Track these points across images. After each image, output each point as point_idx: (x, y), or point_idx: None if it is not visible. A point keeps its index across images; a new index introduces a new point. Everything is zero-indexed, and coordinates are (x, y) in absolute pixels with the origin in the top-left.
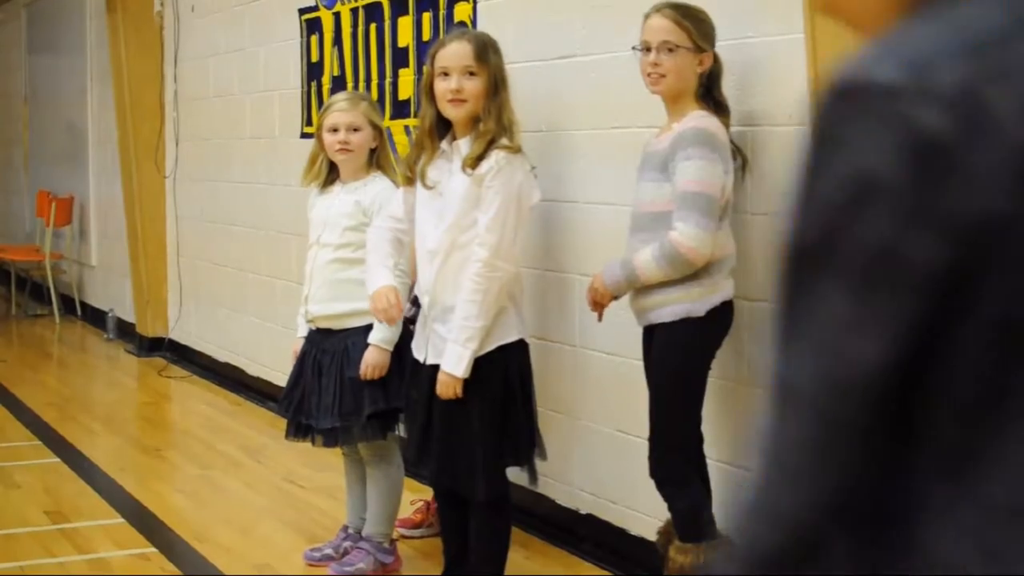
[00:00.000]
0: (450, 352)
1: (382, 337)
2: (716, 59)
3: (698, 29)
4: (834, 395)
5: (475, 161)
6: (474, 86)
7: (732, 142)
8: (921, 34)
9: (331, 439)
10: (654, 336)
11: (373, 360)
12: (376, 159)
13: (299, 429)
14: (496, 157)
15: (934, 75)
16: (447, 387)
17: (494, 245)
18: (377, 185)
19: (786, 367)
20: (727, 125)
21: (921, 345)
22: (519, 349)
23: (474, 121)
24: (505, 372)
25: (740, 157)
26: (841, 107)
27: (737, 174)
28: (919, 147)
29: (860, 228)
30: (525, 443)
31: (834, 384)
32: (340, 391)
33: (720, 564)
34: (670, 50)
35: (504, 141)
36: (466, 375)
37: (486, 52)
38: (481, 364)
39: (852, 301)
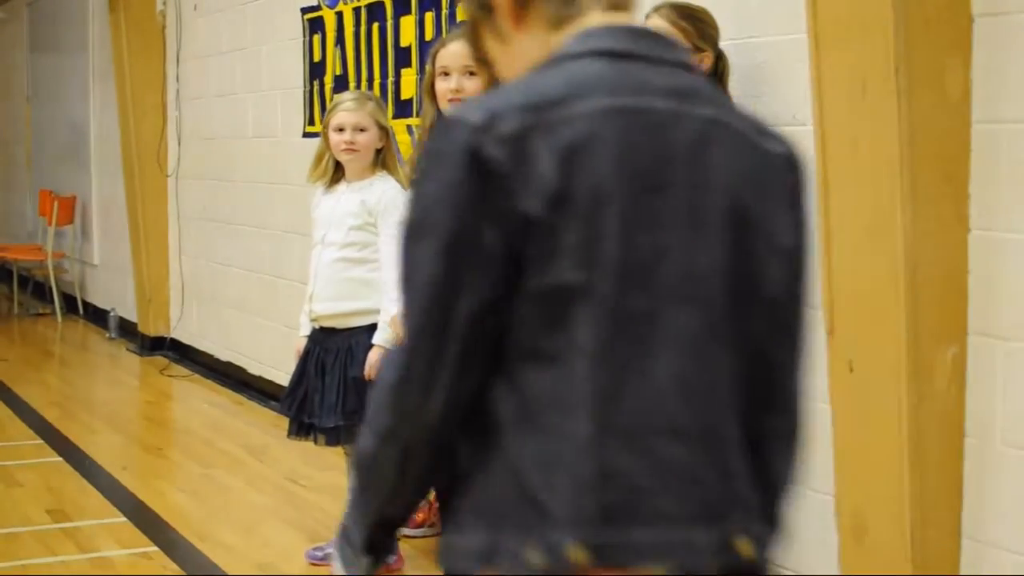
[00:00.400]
0: None
1: (386, 338)
2: (722, 58)
3: (696, 29)
4: (435, 329)
5: None
6: (474, 86)
7: None
8: (506, 92)
9: (333, 438)
10: None
11: (377, 360)
12: (382, 159)
13: (301, 428)
14: None
15: (499, 122)
16: None
17: None
18: (383, 185)
19: (403, 306)
20: None
21: (498, 301)
22: None
23: None
24: None
25: None
26: (443, 132)
27: None
28: (482, 168)
29: (446, 216)
30: None
31: (420, 328)
32: (344, 390)
33: (361, 437)
34: None
35: None
36: None
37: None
38: None
39: (442, 264)
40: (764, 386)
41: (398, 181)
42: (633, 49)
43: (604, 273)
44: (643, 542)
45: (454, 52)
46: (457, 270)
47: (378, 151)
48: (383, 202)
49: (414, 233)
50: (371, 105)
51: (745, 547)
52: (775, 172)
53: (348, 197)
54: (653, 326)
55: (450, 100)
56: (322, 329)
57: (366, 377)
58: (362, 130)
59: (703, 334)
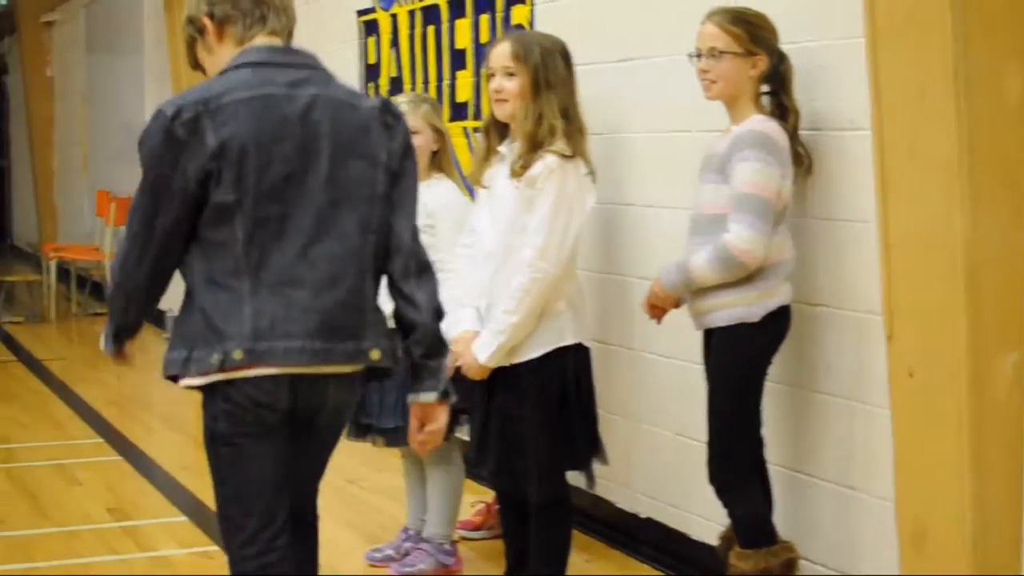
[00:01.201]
0: (481, 339)
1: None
2: (783, 61)
3: (749, 33)
4: (143, 234)
5: (522, 167)
6: (513, 86)
7: (801, 145)
8: (191, 91)
9: (392, 439)
10: (711, 340)
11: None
12: (438, 161)
13: (360, 429)
14: (548, 160)
15: (183, 113)
16: (471, 371)
17: (539, 247)
18: (440, 187)
19: (128, 216)
20: (795, 128)
21: (188, 215)
22: (577, 353)
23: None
24: (562, 375)
25: (807, 160)
26: (153, 118)
27: (803, 178)
28: (172, 141)
29: (151, 170)
30: (582, 447)
31: (136, 232)
32: (403, 391)
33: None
34: (718, 56)
35: (558, 144)
36: (491, 363)
37: (525, 52)
38: (537, 366)
39: (150, 197)
40: (386, 243)
41: (453, 183)
42: (268, 59)
43: (247, 195)
44: (276, 348)
45: (495, 52)
46: (157, 201)
47: (434, 153)
48: (440, 204)
49: (144, 179)
50: (425, 107)
51: (375, 354)
52: (370, 118)
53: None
54: (283, 223)
55: (494, 101)
56: None
57: None
58: (415, 132)
59: (317, 224)
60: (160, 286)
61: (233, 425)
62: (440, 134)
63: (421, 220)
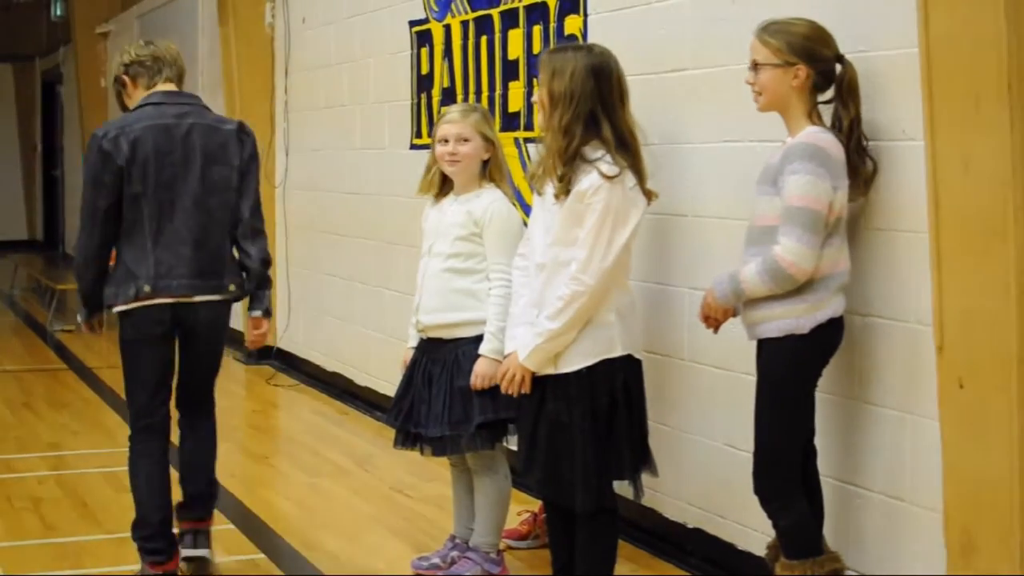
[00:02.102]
0: (523, 342)
1: (492, 348)
2: (845, 65)
3: (787, 43)
4: (88, 216)
5: (562, 184)
6: (542, 101)
7: (860, 155)
8: (117, 120)
9: (440, 448)
10: (760, 351)
11: (483, 371)
12: (488, 171)
13: (407, 438)
14: (594, 175)
15: (109, 134)
16: (512, 373)
17: (582, 260)
18: (489, 196)
19: (80, 205)
20: (854, 138)
21: (116, 201)
22: (626, 364)
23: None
24: (611, 386)
25: (867, 172)
26: (92, 139)
27: (861, 188)
28: (103, 153)
29: (89, 174)
30: (629, 457)
31: (84, 216)
32: (450, 400)
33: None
34: (759, 68)
35: (605, 160)
36: (528, 364)
37: (546, 67)
38: (586, 376)
39: (91, 190)
40: (233, 216)
41: (502, 193)
42: (163, 100)
43: (149, 187)
44: (170, 284)
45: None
46: (96, 192)
47: (485, 163)
48: (489, 213)
49: (88, 181)
50: (475, 116)
51: (231, 288)
52: (229, 136)
53: (454, 208)
54: (172, 206)
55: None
56: (429, 340)
57: (472, 387)
58: (465, 140)
59: (194, 207)
60: (106, 253)
61: (137, 335)
62: (491, 143)
63: (467, 229)
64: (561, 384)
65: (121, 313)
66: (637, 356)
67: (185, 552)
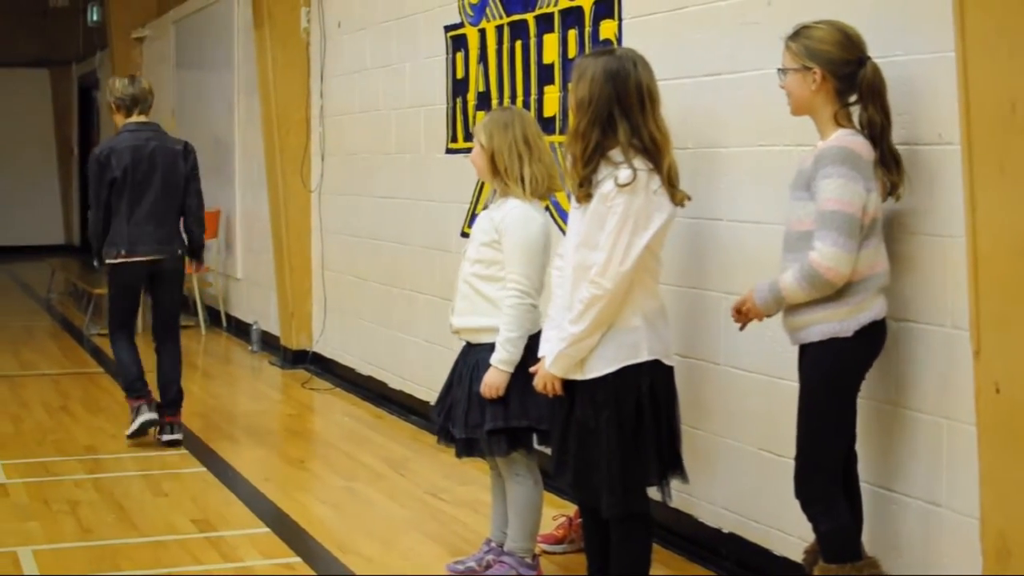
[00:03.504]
0: (551, 347)
1: (500, 358)
2: (863, 75)
3: (805, 48)
4: (96, 203)
5: (583, 189)
6: (570, 106)
7: (888, 157)
8: (107, 141)
9: (461, 450)
10: (803, 356)
11: (490, 380)
12: (501, 176)
13: (448, 435)
14: (619, 177)
15: (103, 150)
16: (541, 380)
17: (601, 264)
18: (510, 205)
19: (90, 201)
20: (880, 139)
21: (109, 196)
22: (653, 369)
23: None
24: (636, 392)
25: (892, 176)
26: (93, 153)
27: (887, 190)
28: (102, 165)
29: (94, 178)
30: (657, 463)
31: (95, 204)
32: (468, 405)
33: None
34: (783, 73)
35: (623, 166)
36: (554, 371)
37: (573, 73)
38: (612, 381)
39: (95, 187)
40: (181, 207)
41: (523, 199)
42: (138, 128)
43: (127, 188)
44: (138, 250)
45: None
46: (98, 188)
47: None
48: (506, 222)
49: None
50: (482, 120)
51: (179, 251)
52: (179, 154)
53: (484, 214)
54: (141, 199)
55: None
56: (467, 342)
57: (481, 395)
58: (481, 145)
59: (159, 197)
60: (107, 227)
61: (120, 282)
62: (491, 148)
63: (490, 236)
64: (588, 389)
65: (110, 265)
66: (667, 362)
67: (164, 437)
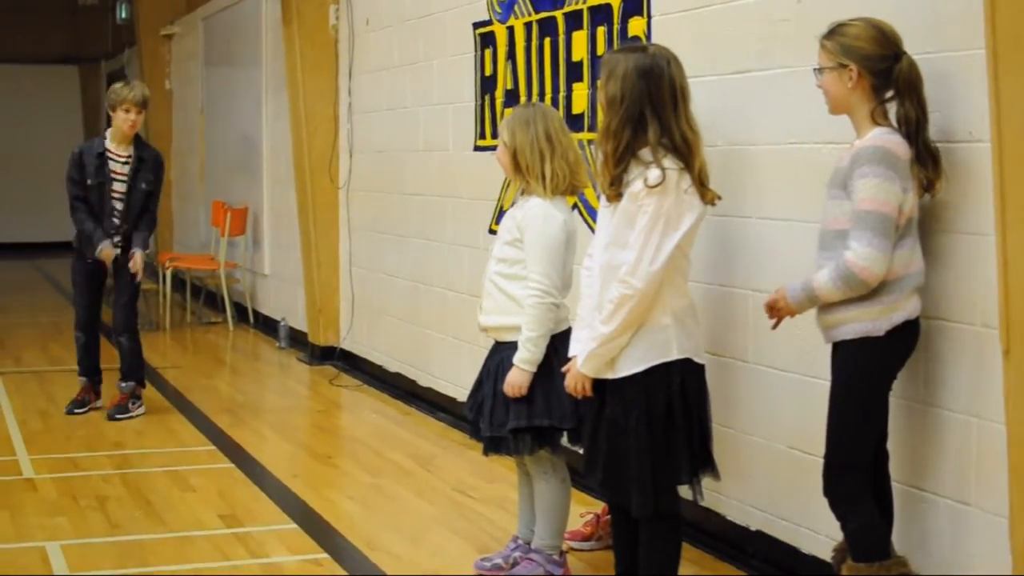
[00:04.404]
0: (582, 349)
1: (522, 358)
2: (900, 70)
3: (839, 45)
4: (71, 198)
5: (613, 188)
6: (600, 104)
7: (924, 154)
8: (84, 143)
9: (487, 447)
10: (836, 353)
11: (512, 380)
12: (523, 174)
13: (480, 431)
14: (649, 177)
15: (79, 149)
16: (572, 380)
17: (631, 263)
18: (531, 204)
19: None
20: (916, 136)
21: (82, 190)
22: (684, 368)
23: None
24: (667, 391)
25: (927, 173)
26: (71, 153)
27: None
28: (76, 163)
29: (69, 175)
30: (688, 462)
31: (71, 198)
32: (493, 403)
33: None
34: (819, 72)
35: (653, 166)
36: (585, 370)
37: (602, 70)
38: (642, 380)
39: (70, 185)
40: (143, 208)
41: (543, 198)
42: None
43: (96, 186)
44: (107, 243)
45: None
46: (73, 186)
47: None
48: (526, 221)
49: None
50: (506, 118)
51: (138, 243)
52: (156, 161)
53: (510, 212)
54: (107, 193)
55: None
56: (495, 340)
57: (506, 393)
58: (504, 143)
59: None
60: (84, 215)
61: (81, 271)
62: (513, 146)
63: (512, 235)
64: (618, 388)
65: (74, 257)
66: (698, 360)
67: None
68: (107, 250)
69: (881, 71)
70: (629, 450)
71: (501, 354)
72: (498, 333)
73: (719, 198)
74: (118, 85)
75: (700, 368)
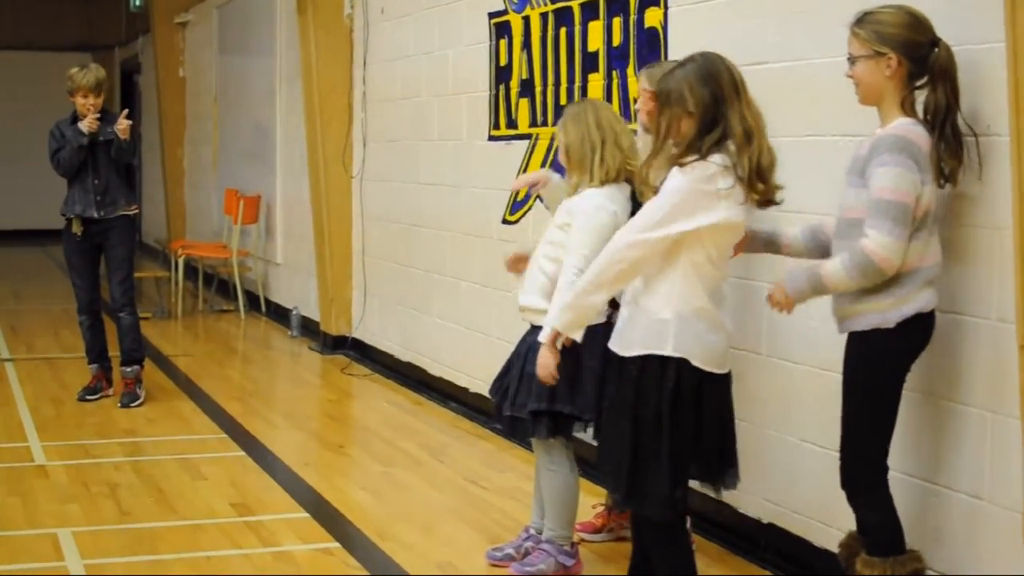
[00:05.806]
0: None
1: (546, 334)
2: (941, 51)
3: (875, 33)
4: (54, 165)
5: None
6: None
7: (958, 141)
8: (62, 119)
9: (506, 429)
10: (848, 344)
11: (543, 360)
12: (577, 168)
13: (501, 412)
14: (672, 172)
15: (57, 126)
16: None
17: (630, 223)
18: (588, 192)
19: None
20: (943, 125)
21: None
22: (680, 370)
23: None
24: (659, 392)
25: (949, 165)
26: (50, 131)
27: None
28: (52, 135)
29: (51, 143)
30: (675, 474)
31: (54, 164)
32: (519, 384)
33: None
34: (853, 61)
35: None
36: (558, 326)
37: (659, 94)
38: (638, 366)
39: (52, 154)
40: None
41: (596, 188)
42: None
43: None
44: (88, 213)
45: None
46: (53, 141)
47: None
48: (577, 208)
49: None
50: (560, 119)
51: (120, 211)
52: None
53: (566, 200)
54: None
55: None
56: (531, 324)
57: (538, 376)
58: (560, 142)
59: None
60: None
61: (73, 248)
62: (563, 140)
63: (563, 219)
64: (623, 365)
65: (65, 229)
66: (707, 368)
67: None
68: (88, 121)
69: (918, 58)
70: (614, 430)
71: (533, 336)
72: (532, 315)
73: (780, 188)
74: (73, 70)
75: (709, 377)
